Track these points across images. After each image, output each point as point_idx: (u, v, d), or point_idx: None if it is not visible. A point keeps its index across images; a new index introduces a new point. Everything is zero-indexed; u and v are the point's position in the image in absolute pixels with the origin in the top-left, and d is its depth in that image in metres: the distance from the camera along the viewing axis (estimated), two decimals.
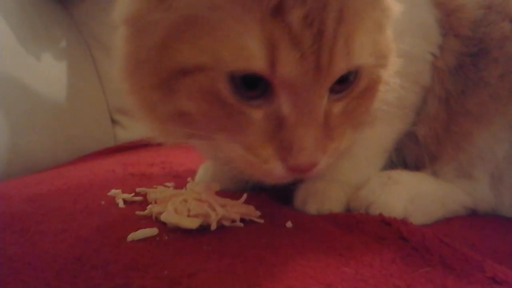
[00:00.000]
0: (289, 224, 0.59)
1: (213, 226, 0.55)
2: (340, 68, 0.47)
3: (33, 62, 1.27)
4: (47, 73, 1.29)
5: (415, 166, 0.74)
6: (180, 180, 0.80)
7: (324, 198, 0.67)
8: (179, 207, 0.56)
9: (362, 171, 0.70)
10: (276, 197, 0.72)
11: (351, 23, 0.46)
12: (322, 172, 0.52)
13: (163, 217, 0.55)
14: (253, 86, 0.47)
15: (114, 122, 1.51)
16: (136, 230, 0.54)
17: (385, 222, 0.58)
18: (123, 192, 0.68)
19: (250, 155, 0.50)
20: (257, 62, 0.44)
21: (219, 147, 0.52)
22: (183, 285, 0.41)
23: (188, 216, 0.55)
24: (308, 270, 0.47)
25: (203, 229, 0.56)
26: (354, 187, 0.68)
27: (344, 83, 0.50)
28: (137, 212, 0.60)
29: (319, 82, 0.46)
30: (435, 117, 0.72)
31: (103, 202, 0.66)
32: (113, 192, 0.67)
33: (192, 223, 0.54)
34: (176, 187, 0.76)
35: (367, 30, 0.48)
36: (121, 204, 0.64)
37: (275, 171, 0.49)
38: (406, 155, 0.75)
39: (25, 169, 1.06)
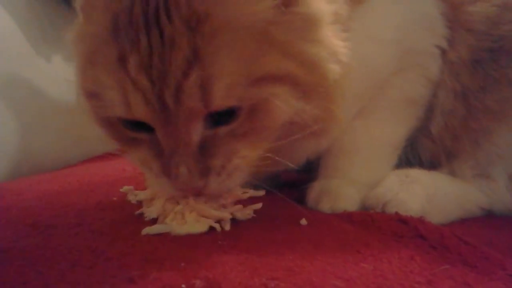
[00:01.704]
0: (303, 221, 0.59)
1: (219, 229, 0.55)
2: (196, 109, 0.47)
3: (43, 63, 1.27)
4: (57, 74, 1.29)
5: (431, 163, 0.73)
6: None
7: (337, 196, 0.66)
8: (178, 221, 0.55)
9: (373, 169, 0.69)
10: (289, 195, 0.71)
11: (210, 63, 0.46)
12: (220, 189, 0.53)
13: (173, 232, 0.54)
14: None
15: None
16: (150, 225, 0.53)
17: (402, 221, 0.58)
18: (135, 189, 0.68)
19: (146, 168, 0.53)
20: (119, 109, 0.49)
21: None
22: (201, 276, 0.40)
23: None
24: (326, 266, 0.46)
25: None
26: (367, 186, 0.67)
27: (224, 115, 0.49)
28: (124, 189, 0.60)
29: (175, 119, 0.47)
30: (451, 112, 0.71)
31: (115, 198, 0.65)
32: (125, 188, 0.67)
33: (202, 227, 0.54)
34: None
35: (243, 60, 0.47)
36: (133, 200, 0.64)
37: (166, 186, 0.52)
38: (421, 152, 0.74)
39: (35, 170, 1.06)
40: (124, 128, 0.52)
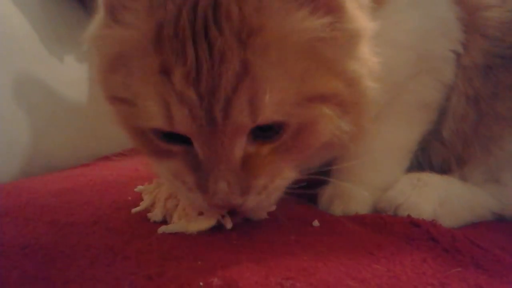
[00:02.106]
0: (316, 223, 0.59)
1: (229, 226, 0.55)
2: (243, 124, 0.46)
3: (56, 64, 1.29)
4: (70, 75, 1.31)
5: (441, 168, 0.73)
6: None
7: (350, 199, 0.66)
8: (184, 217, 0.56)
9: (386, 173, 0.70)
10: (301, 197, 0.72)
11: (261, 77, 0.45)
12: (256, 208, 0.53)
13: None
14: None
15: None
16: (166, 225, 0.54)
17: (414, 224, 0.58)
18: None
19: (177, 181, 0.51)
20: (158, 121, 0.47)
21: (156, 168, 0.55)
22: (218, 274, 0.41)
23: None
24: (340, 266, 0.46)
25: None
26: (379, 189, 0.68)
27: (268, 131, 0.48)
28: (133, 210, 0.60)
29: (222, 134, 0.46)
30: (463, 117, 0.71)
31: (130, 198, 0.66)
32: (139, 188, 0.67)
33: (210, 222, 0.55)
34: None
35: (292, 77, 0.46)
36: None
37: (198, 201, 0.50)
38: (432, 156, 0.74)
39: (47, 169, 1.07)
40: (156, 139, 0.50)
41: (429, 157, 0.75)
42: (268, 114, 0.46)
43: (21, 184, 0.82)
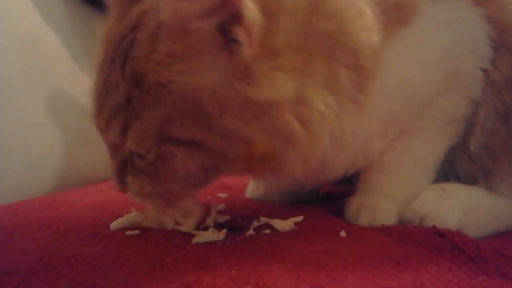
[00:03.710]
0: (342, 233, 0.61)
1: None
2: (118, 143, 0.56)
3: (87, 80, 1.32)
4: None
5: (468, 180, 0.74)
6: (232, 191, 0.84)
7: (376, 211, 0.68)
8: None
9: (412, 185, 0.71)
10: (327, 209, 0.74)
11: (135, 114, 0.52)
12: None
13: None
14: None
15: None
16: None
17: (439, 234, 0.60)
18: None
19: None
20: None
21: None
22: (251, 283, 0.44)
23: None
24: (367, 275, 0.48)
25: None
26: (405, 201, 0.69)
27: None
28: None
29: (107, 142, 0.58)
30: (492, 132, 0.72)
31: None
32: None
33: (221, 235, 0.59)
34: (228, 198, 0.80)
35: (161, 119, 0.52)
36: None
37: None
38: (459, 168, 0.75)
39: (79, 183, 1.11)
40: None
41: (456, 170, 0.76)
42: (132, 145, 0.54)
43: (58, 197, 0.85)
